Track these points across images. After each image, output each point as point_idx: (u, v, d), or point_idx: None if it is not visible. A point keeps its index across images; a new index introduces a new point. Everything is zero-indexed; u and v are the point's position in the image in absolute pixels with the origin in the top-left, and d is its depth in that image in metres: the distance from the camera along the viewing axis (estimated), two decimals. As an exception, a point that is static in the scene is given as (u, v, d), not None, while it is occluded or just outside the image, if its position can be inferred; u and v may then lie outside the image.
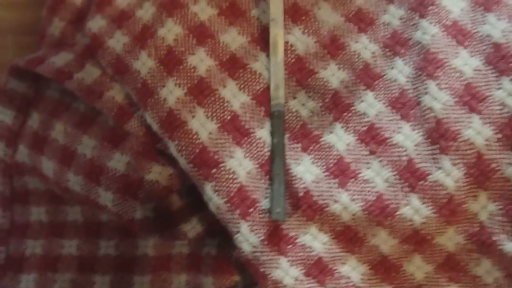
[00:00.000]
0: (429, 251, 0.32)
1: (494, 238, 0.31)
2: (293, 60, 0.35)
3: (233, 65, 0.35)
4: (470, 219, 0.31)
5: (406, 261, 0.32)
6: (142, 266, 0.37)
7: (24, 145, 0.40)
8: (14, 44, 0.46)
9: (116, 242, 0.38)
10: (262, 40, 0.36)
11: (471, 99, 0.31)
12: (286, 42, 0.36)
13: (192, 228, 0.36)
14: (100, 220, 0.39)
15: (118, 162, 0.36)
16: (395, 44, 0.34)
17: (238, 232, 0.32)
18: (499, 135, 0.30)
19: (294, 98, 0.35)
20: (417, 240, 0.31)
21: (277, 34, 0.35)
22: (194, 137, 0.34)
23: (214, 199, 0.32)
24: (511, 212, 0.30)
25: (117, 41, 0.38)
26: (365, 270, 0.32)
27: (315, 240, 0.31)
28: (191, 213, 0.36)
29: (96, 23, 0.39)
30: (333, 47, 0.35)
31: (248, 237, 0.32)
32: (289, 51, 0.36)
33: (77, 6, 0.42)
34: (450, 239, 0.31)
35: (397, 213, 0.30)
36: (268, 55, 0.35)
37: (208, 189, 0.33)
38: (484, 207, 0.31)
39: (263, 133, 0.34)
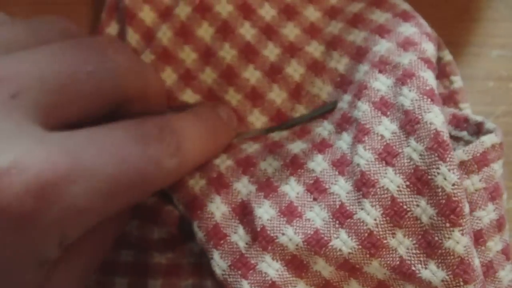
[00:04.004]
0: (362, 277, 0.39)
1: (413, 268, 0.38)
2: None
3: None
4: (391, 254, 0.38)
5: (346, 285, 0.39)
6: (154, 272, 0.45)
7: None
8: None
9: (134, 252, 0.46)
10: None
11: (387, 155, 0.39)
12: None
13: (196, 245, 0.44)
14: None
15: None
16: (343, 123, 0.43)
17: (212, 258, 0.41)
18: (407, 183, 0.38)
19: (264, 160, 0.44)
20: (349, 267, 0.39)
21: None
22: None
23: (198, 234, 0.42)
24: (423, 245, 0.37)
25: None
26: None
27: (270, 267, 0.39)
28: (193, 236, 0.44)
29: None
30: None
31: (218, 263, 0.40)
32: None
33: None
34: (377, 270, 0.39)
35: (329, 244, 0.38)
36: None
37: (195, 226, 0.42)
38: (401, 243, 0.38)
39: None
